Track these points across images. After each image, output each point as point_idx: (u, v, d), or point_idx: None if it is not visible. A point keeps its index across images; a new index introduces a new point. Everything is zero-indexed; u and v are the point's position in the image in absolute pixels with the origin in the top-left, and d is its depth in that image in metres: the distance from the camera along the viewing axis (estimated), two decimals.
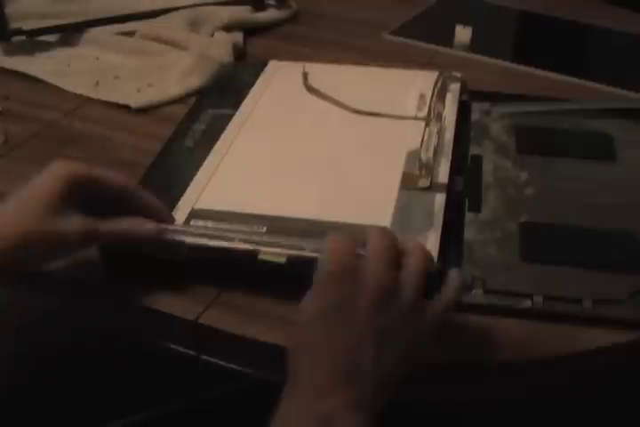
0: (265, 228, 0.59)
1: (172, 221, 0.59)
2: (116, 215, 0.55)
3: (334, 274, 0.47)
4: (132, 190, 0.56)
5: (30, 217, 0.51)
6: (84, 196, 0.54)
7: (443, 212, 0.61)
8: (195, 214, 0.61)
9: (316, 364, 0.45)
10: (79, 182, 0.53)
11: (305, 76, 0.78)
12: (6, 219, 0.51)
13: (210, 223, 0.60)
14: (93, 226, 0.53)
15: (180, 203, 0.62)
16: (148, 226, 0.55)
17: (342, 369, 0.45)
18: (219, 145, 0.70)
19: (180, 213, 0.61)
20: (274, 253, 0.57)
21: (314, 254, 0.56)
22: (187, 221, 0.60)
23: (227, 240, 0.58)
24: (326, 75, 0.80)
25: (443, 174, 0.65)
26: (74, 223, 0.52)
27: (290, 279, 0.57)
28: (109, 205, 0.55)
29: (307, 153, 0.69)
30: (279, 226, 0.59)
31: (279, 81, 0.81)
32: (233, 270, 0.58)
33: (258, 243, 0.57)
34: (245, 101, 0.76)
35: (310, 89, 0.78)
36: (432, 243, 0.58)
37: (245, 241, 0.57)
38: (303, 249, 0.56)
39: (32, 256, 0.52)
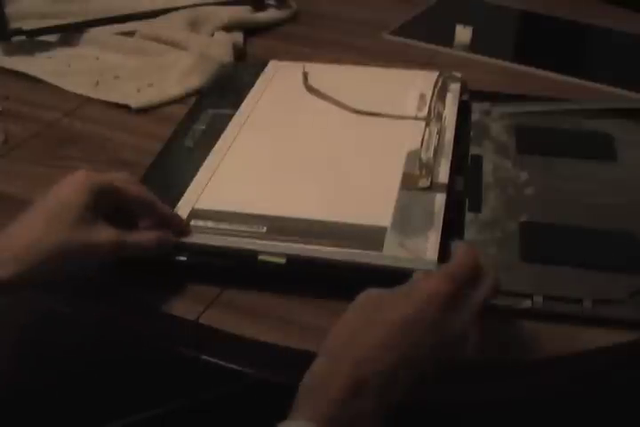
0: (265, 228, 0.59)
1: (185, 226, 0.59)
2: (132, 224, 0.56)
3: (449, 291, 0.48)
4: (148, 200, 0.57)
5: (64, 228, 0.51)
6: (107, 206, 0.54)
7: (443, 212, 0.61)
8: (195, 214, 0.61)
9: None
10: (103, 192, 0.54)
11: (305, 76, 0.78)
12: (38, 231, 0.51)
13: (210, 223, 0.60)
14: (122, 237, 0.53)
15: (180, 203, 0.62)
16: (171, 238, 0.57)
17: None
18: (219, 145, 0.70)
19: (180, 213, 0.61)
20: (274, 253, 0.57)
21: (314, 255, 0.56)
22: (187, 221, 0.60)
23: (227, 240, 0.58)
24: (326, 75, 0.80)
25: (443, 174, 0.65)
26: (107, 234, 0.53)
27: (290, 279, 0.57)
28: (125, 214, 0.56)
29: (307, 153, 0.69)
30: (279, 226, 0.59)
31: (279, 81, 0.81)
32: (233, 271, 0.58)
33: (258, 243, 0.57)
34: (245, 101, 0.76)
35: (310, 89, 0.78)
36: (432, 243, 0.58)
37: (246, 241, 0.57)
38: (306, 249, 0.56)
39: (69, 267, 0.52)
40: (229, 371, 0.57)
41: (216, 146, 0.69)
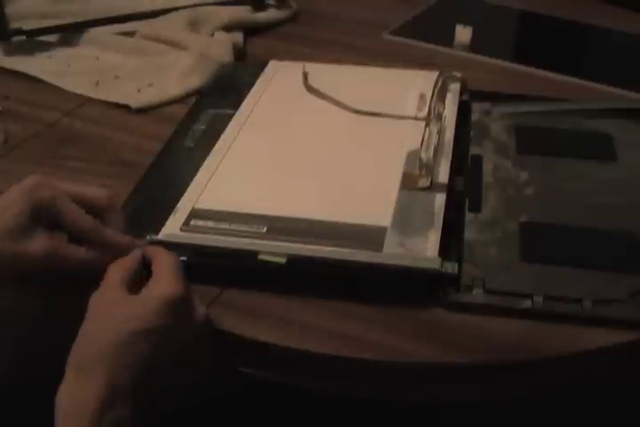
0: (265, 228, 0.59)
1: (131, 245, 0.56)
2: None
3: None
4: (86, 228, 0.54)
5: None
6: (49, 218, 0.53)
7: (443, 212, 0.61)
8: (195, 214, 0.61)
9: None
10: (42, 207, 0.52)
11: (305, 75, 0.78)
12: None
13: (210, 223, 0.60)
14: (53, 250, 0.52)
15: (179, 203, 0.62)
16: (102, 261, 0.54)
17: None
18: (219, 145, 0.70)
19: (180, 213, 0.61)
20: (274, 253, 0.57)
21: (315, 254, 0.56)
22: (187, 221, 0.60)
23: (227, 241, 0.58)
24: (326, 75, 0.80)
25: (443, 174, 0.65)
26: (36, 244, 0.52)
27: (290, 279, 0.57)
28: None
29: (306, 153, 0.69)
30: (279, 226, 0.59)
31: (279, 81, 0.81)
32: (233, 271, 0.58)
33: (258, 243, 0.57)
34: (245, 101, 0.76)
35: (310, 89, 0.78)
36: (432, 243, 0.58)
37: (246, 242, 0.57)
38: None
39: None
40: (229, 371, 0.57)
41: (216, 146, 0.69)
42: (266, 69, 0.83)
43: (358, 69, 0.83)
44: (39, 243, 0.52)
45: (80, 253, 0.54)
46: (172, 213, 0.61)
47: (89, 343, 0.48)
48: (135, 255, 0.54)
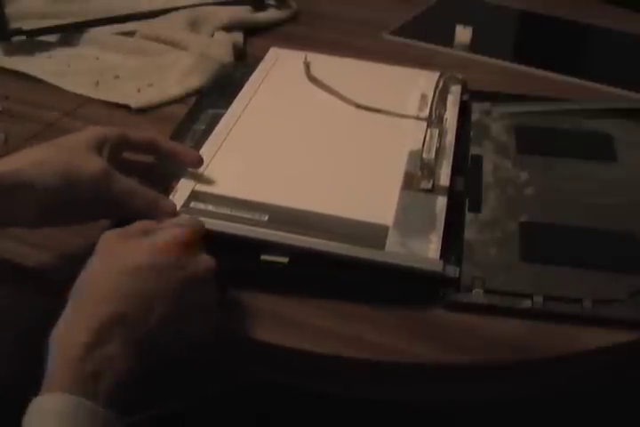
0: (267, 216, 0.58)
1: (200, 162, 0.62)
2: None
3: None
4: (159, 140, 0.60)
5: (55, 151, 0.55)
6: (113, 153, 0.57)
7: (444, 214, 0.61)
8: (195, 197, 0.60)
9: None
10: (111, 137, 0.57)
11: (307, 65, 0.78)
12: (33, 150, 0.56)
13: (210, 207, 0.59)
14: (111, 173, 0.55)
15: (178, 184, 0.61)
16: (165, 204, 0.57)
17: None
18: (218, 129, 0.69)
19: (180, 195, 0.60)
20: (277, 243, 0.56)
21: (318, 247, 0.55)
22: (186, 203, 0.59)
23: (228, 226, 0.57)
24: (327, 66, 0.79)
25: (445, 177, 0.65)
26: (95, 164, 0.55)
27: (292, 279, 0.57)
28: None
29: (307, 144, 0.69)
30: (281, 216, 0.59)
31: (280, 68, 0.80)
32: (233, 266, 0.57)
33: (260, 231, 0.56)
34: (246, 87, 0.76)
35: (312, 79, 0.77)
36: (434, 245, 0.57)
37: (248, 230, 0.57)
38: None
39: (48, 187, 0.53)
40: (229, 371, 0.57)
41: (215, 130, 0.69)
42: (266, 56, 0.82)
43: (359, 63, 0.83)
44: (95, 163, 0.55)
45: (128, 181, 0.56)
46: (172, 194, 0.60)
47: (88, 275, 0.49)
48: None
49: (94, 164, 0.54)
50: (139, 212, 0.56)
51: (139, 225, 0.52)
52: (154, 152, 0.61)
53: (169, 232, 0.51)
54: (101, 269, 0.49)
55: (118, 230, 0.52)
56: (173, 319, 0.49)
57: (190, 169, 0.63)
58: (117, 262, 0.49)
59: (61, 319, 0.47)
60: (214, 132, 0.69)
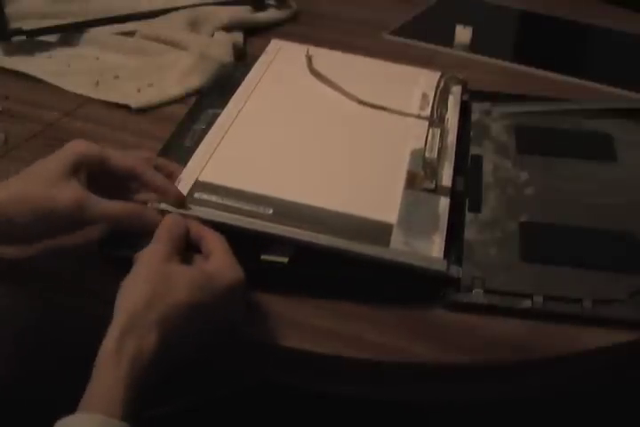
0: (271, 210, 0.58)
1: (181, 197, 0.57)
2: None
3: None
4: (134, 171, 0.56)
5: (30, 183, 0.54)
6: (92, 173, 0.55)
7: (447, 215, 0.61)
8: (199, 187, 0.59)
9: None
10: (89, 159, 0.55)
11: (309, 59, 0.78)
12: (9, 182, 0.54)
13: (214, 198, 0.58)
14: (84, 196, 0.53)
15: (182, 173, 0.60)
16: (146, 213, 0.56)
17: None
18: (220, 120, 0.69)
19: (184, 184, 0.59)
20: (280, 236, 0.56)
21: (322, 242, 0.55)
22: (190, 194, 0.58)
23: (232, 218, 0.56)
24: (328, 60, 0.79)
25: (447, 177, 0.65)
26: (66, 190, 0.53)
27: (292, 279, 0.57)
28: (117, 189, 0.57)
29: (309, 138, 0.68)
30: (285, 210, 0.58)
31: (281, 61, 0.80)
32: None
33: (264, 225, 0.56)
34: (248, 77, 0.76)
35: (315, 73, 0.77)
36: (437, 245, 0.57)
37: (252, 223, 0.56)
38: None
39: (20, 220, 0.53)
40: (229, 371, 0.57)
41: (217, 121, 0.68)
42: (267, 48, 0.82)
43: (360, 59, 0.83)
44: (69, 191, 0.53)
45: (106, 204, 0.54)
46: (175, 183, 0.59)
47: (139, 303, 0.48)
48: (179, 220, 0.55)
49: (68, 193, 0.53)
50: (126, 229, 0.55)
51: (165, 236, 0.53)
52: (133, 180, 0.57)
53: (223, 271, 0.52)
54: (145, 298, 0.49)
55: (157, 250, 0.51)
56: (210, 318, 0.51)
57: (194, 158, 0.62)
58: (169, 300, 0.49)
59: (108, 339, 0.47)
60: (216, 124, 0.68)
